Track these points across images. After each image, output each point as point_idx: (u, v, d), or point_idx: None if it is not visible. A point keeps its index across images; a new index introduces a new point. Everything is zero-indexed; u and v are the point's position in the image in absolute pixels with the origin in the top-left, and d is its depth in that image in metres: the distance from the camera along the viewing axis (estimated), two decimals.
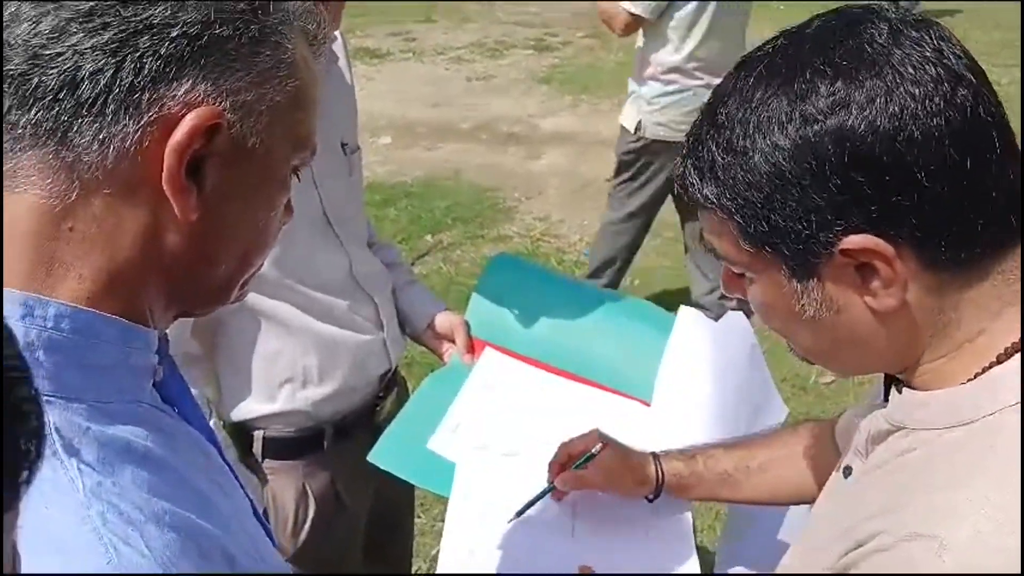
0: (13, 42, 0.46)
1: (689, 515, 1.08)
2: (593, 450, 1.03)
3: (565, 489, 1.05)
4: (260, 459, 1.22)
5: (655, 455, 1.05)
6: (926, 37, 0.56)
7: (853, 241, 0.55)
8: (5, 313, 0.44)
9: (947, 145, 0.53)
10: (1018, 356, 0.56)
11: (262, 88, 0.51)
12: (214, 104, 0.49)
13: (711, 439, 1.09)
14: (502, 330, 1.34)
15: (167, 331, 0.57)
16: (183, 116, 0.48)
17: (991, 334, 0.57)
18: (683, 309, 1.36)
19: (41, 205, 0.48)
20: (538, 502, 1.05)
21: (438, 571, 1.01)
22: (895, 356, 0.62)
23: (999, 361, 0.57)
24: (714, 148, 0.59)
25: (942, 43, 0.56)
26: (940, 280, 0.57)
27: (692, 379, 1.24)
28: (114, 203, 0.49)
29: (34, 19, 0.46)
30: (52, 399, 0.46)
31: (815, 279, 0.59)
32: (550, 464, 1.05)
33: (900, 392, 0.62)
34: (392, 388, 1.31)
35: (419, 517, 2.37)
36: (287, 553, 1.20)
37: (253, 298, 1.12)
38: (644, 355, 1.29)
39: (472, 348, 1.32)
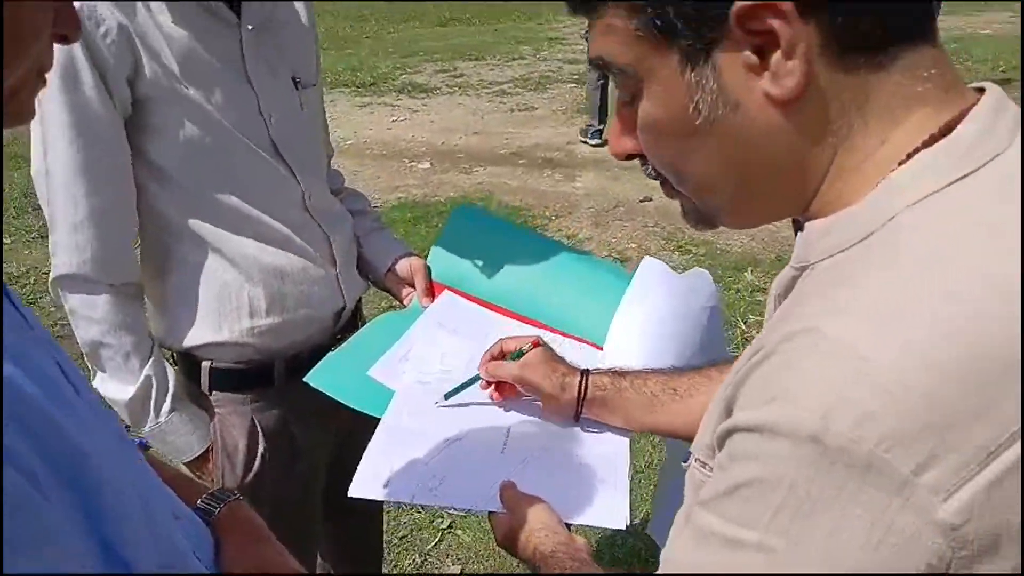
0: None
1: (626, 456, 1.02)
2: (524, 347, 1.01)
3: (488, 378, 1.05)
4: (208, 391, 1.22)
5: (585, 370, 1.01)
6: None
7: (746, 3, 0.48)
8: None
9: None
10: (898, 170, 0.50)
11: None
12: None
13: None
14: (462, 275, 1.32)
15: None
16: None
17: (893, 144, 0.52)
18: (647, 259, 1.33)
19: None
20: (465, 390, 1.07)
21: (350, 493, 0.98)
22: (803, 174, 0.54)
23: (876, 174, 0.51)
24: None
25: None
26: (844, 63, 0.50)
27: (646, 326, 1.20)
28: None
29: None
30: None
31: (709, 65, 0.52)
32: (482, 357, 1.05)
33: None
34: (349, 330, 1.30)
35: (419, 512, 2.33)
36: (234, 488, 1.18)
37: (198, 224, 1.14)
38: (601, 302, 1.25)
39: (432, 292, 1.31)
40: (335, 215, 1.29)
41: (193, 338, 1.19)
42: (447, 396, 1.07)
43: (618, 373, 1.00)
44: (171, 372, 1.18)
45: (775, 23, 0.48)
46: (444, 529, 2.30)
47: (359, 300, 1.35)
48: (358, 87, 7.70)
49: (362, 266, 1.36)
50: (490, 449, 1.02)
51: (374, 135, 6.21)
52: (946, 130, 0.51)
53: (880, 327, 0.44)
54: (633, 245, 4.10)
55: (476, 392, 1.08)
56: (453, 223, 1.40)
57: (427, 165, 5.50)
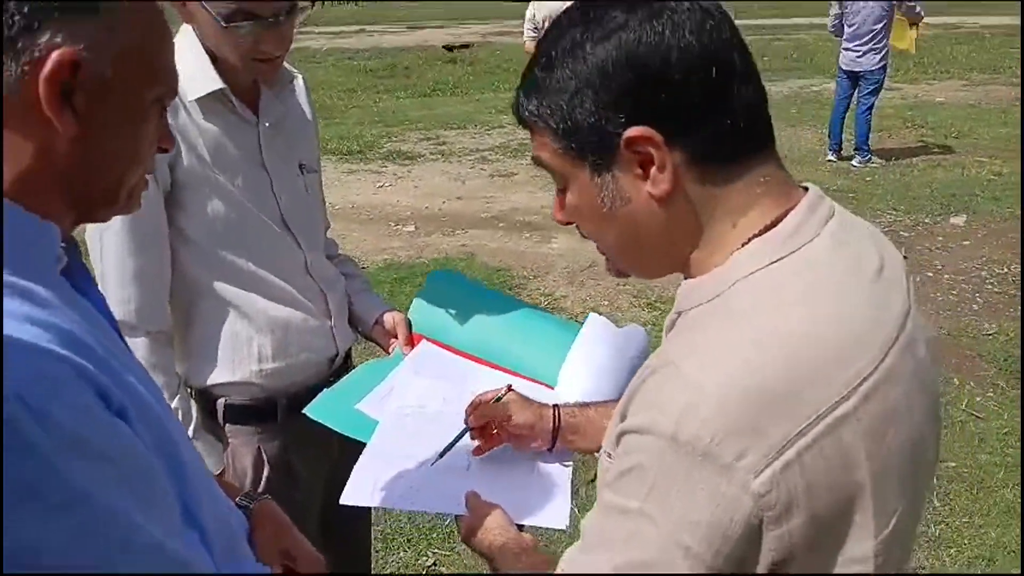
0: None
1: (569, 471, 1.25)
2: (500, 393, 1.22)
3: (476, 424, 1.21)
4: (222, 424, 1.45)
5: (555, 404, 1.23)
6: None
7: (632, 131, 0.69)
8: None
9: (697, 59, 0.70)
10: (740, 251, 0.73)
11: (110, 35, 0.70)
12: (71, 48, 0.68)
13: None
14: (437, 327, 1.57)
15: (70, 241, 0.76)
16: (48, 57, 0.67)
17: (738, 231, 0.74)
18: (592, 315, 1.58)
19: None
20: (457, 443, 1.23)
21: (342, 500, 1.21)
22: (677, 248, 0.76)
23: (727, 253, 0.74)
24: (536, 72, 0.75)
25: None
26: (704, 172, 0.71)
27: (589, 370, 1.45)
28: (14, 126, 0.69)
29: None
30: None
31: (610, 174, 0.73)
32: (465, 409, 1.23)
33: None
34: (341, 373, 1.53)
35: (405, 550, 2.53)
36: None
37: (218, 284, 1.39)
38: (553, 349, 1.50)
39: (411, 342, 1.55)
40: (331, 277, 1.54)
41: (211, 378, 1.42)
42: (440, 455, 1.22)
43: (582, 405, 1.23)
44: (194, 407, 1.41)
45: (650, 148, 0.71)
46: (429, 567, 2.48)
47: (349, 348, 1.59)
48: (345, 155, 8.04)
49: (352, 320, 1.60)
50: (457, 465, 1.25)
51: (361, 200, 6.52)
52: (775, 223, 0.74)
53: (712, 363, 0.67)
54: (605, 302, 4.37)
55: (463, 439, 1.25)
56: (430, 284, 1.66)
57: (412, 228, 5.79)
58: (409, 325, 1.57)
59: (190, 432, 1.38)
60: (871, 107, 6.80)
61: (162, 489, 0.74)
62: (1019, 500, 2.75)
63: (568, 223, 0.83)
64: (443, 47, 16.06)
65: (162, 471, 0.74)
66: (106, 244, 1.29)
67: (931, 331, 0.81)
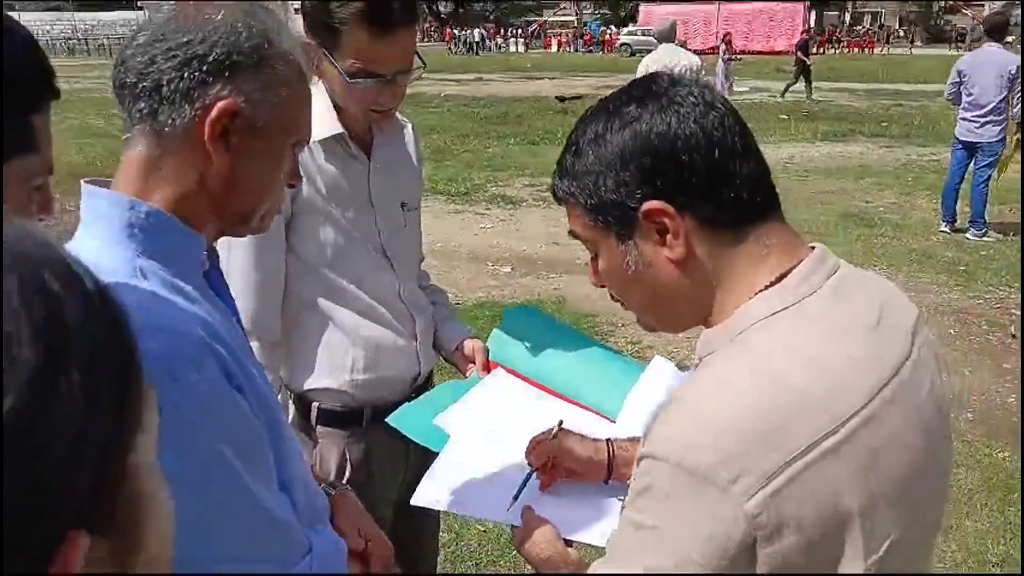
0: (130, 66, 0.87)
1: (616, 498, 1.35)
2: (553, 431, 1.32)
3: (538, 463, 1.30)
4: (314, 425, 1.63)
5: (608, 439, 1.33)
6: (694, 87, 0.86)
7: (649, 205, 0.82)
8: (123, 203, 0.86)
9: (700, 142, 0.82)
10: (748, 303, 0.84)
11: (265, 92, 0.89)
12: (234, 99, 0.87)
13: None
14: (512, 357, 1.71)
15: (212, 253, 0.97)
16: (215, 105, 0.86)
17: (748, 286, 0.85)
18: (657, 357, 1.69)
19: (142, 153, 0.89)
20: (526, 486, 1.32)
21: (413, 501, 1.35)
22: (696, 303, 0.86)
23: (736, 305, 0.86)
24: (568, 157, 0.89)
25: (705, 90, 0.86)
26: (713, 237, 0.83)
27: (648, 406, 1.54)
28: (182, 154, 0.89)
29: (140, 54, 0.87)
30: (141, 258, 0.86)
31: (632, 241, 0.86)
32: (525, 451, 1.32)
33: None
34: (423, 390, 1.70)
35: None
36: None
37: (323, 300, 1.58)
38: (618, 385, 1.61)
39: (488, 368, 1.70)
40: (420, 303, 1.72)
41: (308, 383, 1.61)
42: (514, 498, 1.29)
43: (635, 439, 1.33)
44: (291, 407, 1.60)
45: (665, 219, 0.83)
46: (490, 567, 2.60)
47: (432, 369, 1.75)
48: (453, 196, 8.40)
49: (437, 344, 1.77)
50: (518, 480, 1.38)
51: (464, 239, 6.80)
52: (781, 278, 0.85)
53: (715, 398, 0.78)
54: (687, 351, 4.40)
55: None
56: (508, 319, 1.81)
57: (508, 269, 6.00)
58: (487, 353, 1.72)
59: None
60: (988, 179, 6.58)
61: (265, 456, 0.91)
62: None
63: (602, 286, 0.95)
64: (556, 97, 16.53)
65: (266, 442, 0.91)
66: (233, 257, 1.51)
67: (941, 379, 0.89)
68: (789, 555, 0.74)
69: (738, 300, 0.84)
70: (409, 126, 1.73)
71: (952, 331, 4.90)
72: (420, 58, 1.50)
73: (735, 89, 17.38)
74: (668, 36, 6.77)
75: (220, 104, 0.88)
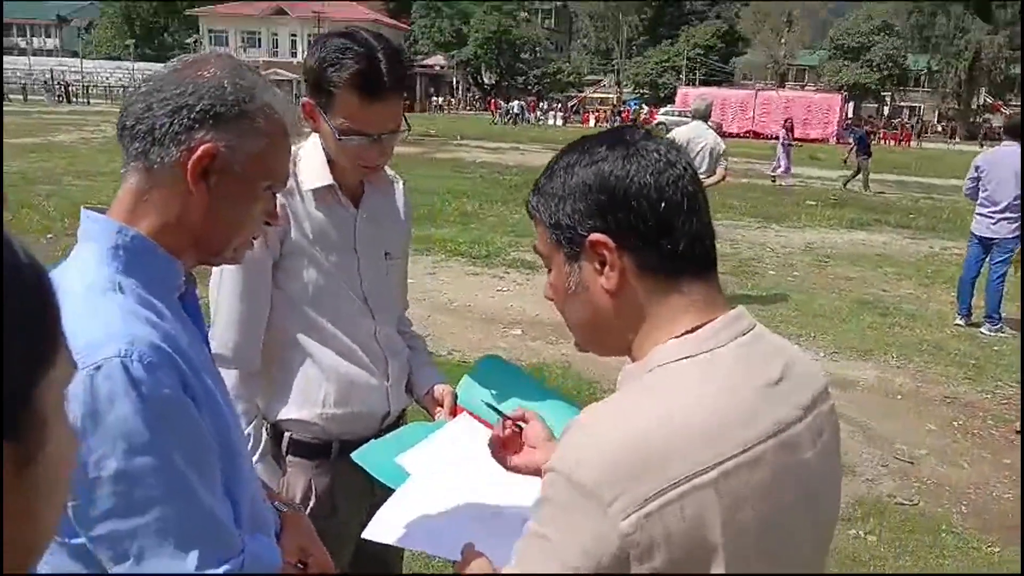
0: (131, 111, 1.02)
1: None
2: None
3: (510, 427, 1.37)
4: (284, 454, 1.73)
5: None
6: (662, 146, 0.95)
7: (594, 236, 0.90)
8: (111, 226, 1.00)
9: (652, 194, 0.90)
10: (662, 345, 0.93)
11: (243, 140, 1.04)
12: (215, 144, 1.03)
13: None
14: (478, 404, 1.80)
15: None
16: (198, 148, 1.02)
17: (666, 330, 0.94)
18: None
19: (134, 186, 1.03)
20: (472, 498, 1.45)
21: (364, 534, 1.44)
22: (620, 335, 0.95)
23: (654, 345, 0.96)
24: (543, 177, 0.99)
25: (672, 150, 0.95)
26: (647, 280, 0.92)
27: None
28: (167, 189, 1.03)
29: (140, 101, 1.02)
30: (121, 275, 0.99)
31: (577, 264, 0.94)
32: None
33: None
34: (391, 430, 1.79)
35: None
36: None
37: (301, 336, 1.70)
38: None
39: (454, 412, 1.79)
40: (395, 347, 1.83)
41: (282, 414, 1.72)
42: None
43: None
44: (264, 435, 1.71)
45: (605, 251, 0.92)
46: None
47: (404, 410, 1.85)
48: (474, 258, 8.58)
49: (410, 387, 1.87)
50: (463, 520, 1.46)
51: (479, 300, 6.94)
52: (697, 329, 0.94)
53: (609, 425, 0.87)
54: None
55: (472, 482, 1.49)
56: (480, 367, 1.90)
57: (519, 332, 6.10)
58: (455, 398, 1.81)
59: (256, 456, 1.66)
60: (1003, 275, 6.58)
61: (212, 463, 1.01)
62: None
63: (551, 299, 1.04)
64: None
65: (215, 451, 1.02)
66: (223, 290, 1.64)
67: (833, 450, 0.98)
68: (660, 574, 0.81)
69: (656, 341, 0.93)
70: (400, 183, 1.88)
71: (956, 423, 4.87)
72: (406, 121, 1.65)
73: (791, 173, 17.53)
74: (704, 114, 6.97)
75: (202, 147, 1.02)
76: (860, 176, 17.29)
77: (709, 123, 7.09)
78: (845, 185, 17.36)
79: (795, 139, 20.20)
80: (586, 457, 0.83)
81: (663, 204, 0.91)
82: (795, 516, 0.89)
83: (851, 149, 18.02)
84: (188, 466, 0.96)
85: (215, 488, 1.02)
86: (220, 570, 0.99)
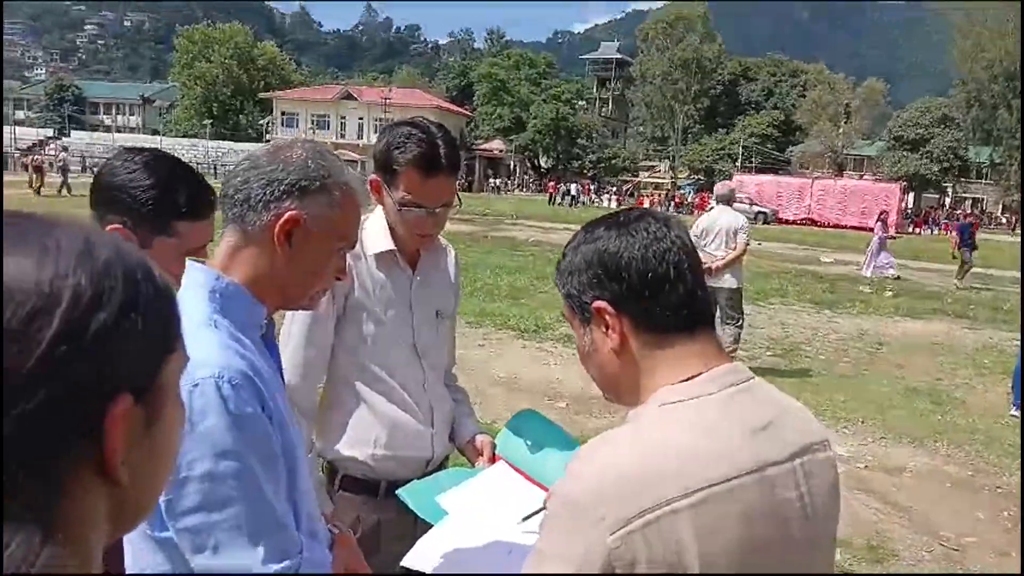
0: (232, 183, 1.24)
1: None
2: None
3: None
4: (336, 489, 1.91)
5: None
6: (654, 223, 1.06)
7: (597, 304, 1.04)
8: (212, 275, 1.24)
9: (640, 266, 1.03)
10: (659, 391, 1.07)
11: (323, 209, 1.26)
12: (299, 212, 1.25)
13: None
14: (515, 454, 1.96)
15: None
16: (285, 214, 1.24)
17: (665, 379, 1.07)
18: None
19: (231, 243, 1.25)
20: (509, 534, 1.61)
21: (403, 563, 1.60)
22: (628, 386, 1.07)
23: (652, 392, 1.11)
24: (562, 257, 1.12)
25: (665, 227, 1.06)
26: (644, 338, 1.04)
27: None
28: (257, 247, 1.25)
29: (239, 175, 1.24)
30: (217, 314, 1.21)
31: (589, 327, 1.07)
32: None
33: None
34: (434, 471, 1.96)
35: None
36: None
37: (358, 383, 1.90)
38: None
39: (493, 460, 1.96)
40: (441, 397, 2.01)
41: (335, 452, 1.91)
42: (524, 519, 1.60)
43: None
44: (319, 471, 1.89)
45: (607, 316, 1.10)
46: None
47: (447, 456, 2.01)
48: (523, 331, 8.77)
49: (453, 435, 2.04)
50: (498, 553, 1.61)
51: (527, 373, 7.09)
52: (691, 378, 1.08)
53: (606, 453, 1.00)
54: None
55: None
56: (517, 420, 2.07)
57: (564, 405, 6.21)
58: (494, 448, 1.98)
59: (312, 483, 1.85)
60: None
61: (280, 472, 1.20)
62: None
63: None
64: None
65: (283, 463, 1.21)
66: (293, 334, 1.86)
67: (825, 498, 1.06)
68: None
69: (655, 388, 1.05)
70: (452, 251, 2.10)
71: (1007, 513, 4.76)
72: (458, 198, 1.88)
73: (889, 273, 16.58)
74: (727, 199, 7.80)
75: (288, 214, 1.25)
76: (965, 268, 16.17)
77: (735, 205, 7.86)
78: (961, 279, 16.20)
79: (894, 233, 18.68)
80: (580, 481, 0.94)
81: (650, 274, 1.04)
82: (772, 552, 0.97)
83: (956, 244, 16.74)
84: (262, 473, 1.15)
85: (281, 494, 1.20)
86: (281, 565, 1.17)
